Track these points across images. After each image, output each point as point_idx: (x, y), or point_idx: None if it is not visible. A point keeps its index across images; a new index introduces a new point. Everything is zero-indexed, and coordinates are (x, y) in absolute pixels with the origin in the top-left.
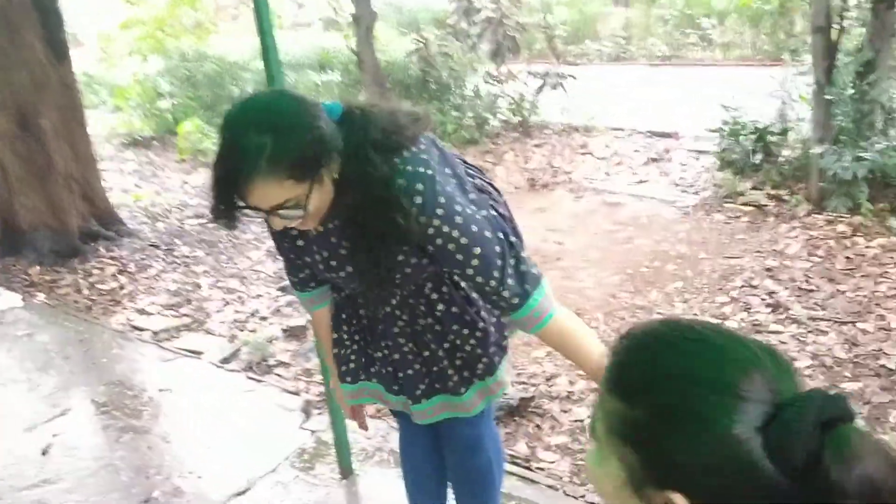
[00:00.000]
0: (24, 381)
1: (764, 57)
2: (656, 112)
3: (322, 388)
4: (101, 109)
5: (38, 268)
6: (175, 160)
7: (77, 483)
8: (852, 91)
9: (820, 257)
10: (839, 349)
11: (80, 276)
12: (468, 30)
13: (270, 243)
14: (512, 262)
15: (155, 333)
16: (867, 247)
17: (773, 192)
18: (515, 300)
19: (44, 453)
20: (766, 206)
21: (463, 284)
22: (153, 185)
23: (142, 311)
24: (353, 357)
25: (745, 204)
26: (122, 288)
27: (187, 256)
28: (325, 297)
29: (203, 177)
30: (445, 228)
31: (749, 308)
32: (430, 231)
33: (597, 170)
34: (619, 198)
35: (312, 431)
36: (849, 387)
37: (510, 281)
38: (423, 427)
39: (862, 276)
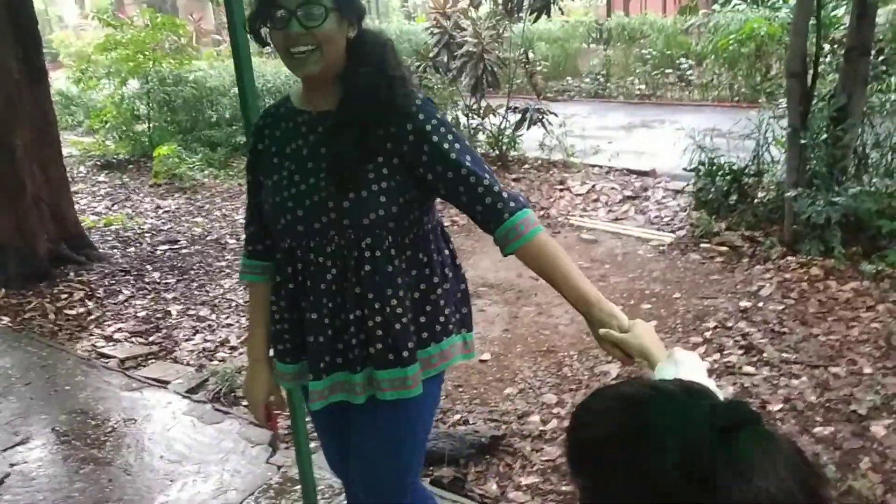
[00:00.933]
0: None
1: (740, 99)
2: (634, 150)
3: (289, 422)
4: (77, 131)
5: (3, 290)
6: (149, 185)
7: None
8: (826, 136)
9: (793, 300)
10: (810, 393)
11: (47, 300)
12: (448, 63)
13: None
14: (498, 184)
15: (121, 361)
16: (839, 290)
17: (747, 233)
18: (512, 203)
19: (0, 483)
20: (740, 247)
21: (448, 201)
22: (126, 208)
23: (109, 338)
24: (287, 335)
25: (720, 244)
26: (89, 314)
27: (158, 283)
28: (261, 270)
29: (177, 203)
30: (443, 129)
31: (722, 349)
32: (429, 128)
33: (574, 206)
34: (596, 234)
35: (279, 467)
36: (820, 431)
37: (502, 188)
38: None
39: (834, 319)
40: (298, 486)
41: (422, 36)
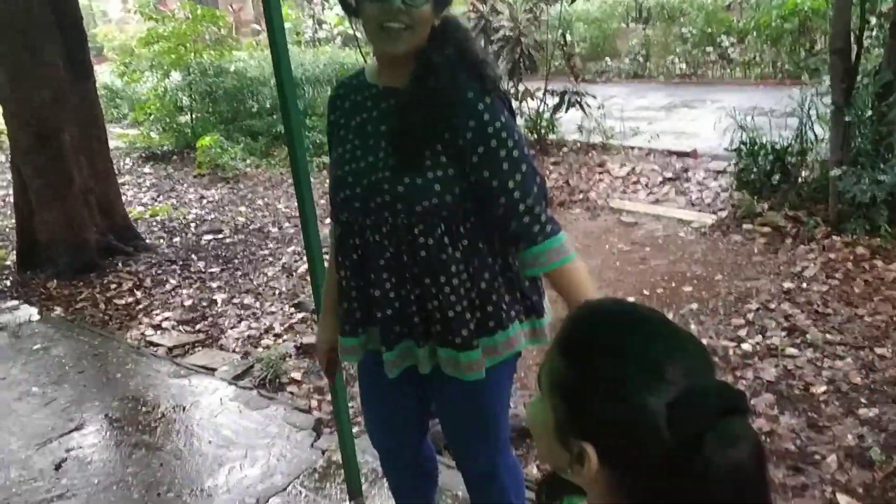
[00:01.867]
0: (39, 395)
1: (784, 76)
2: (674, 131)
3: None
4: (122, 123)
5: (55, 282)
6: (193, 175)
7: (89, 499)
8: (871, 113)
9: (838, 280)
10: (855, 374)
11: (97, 290)
12: (486, 47)
13: (285, 260)
14: (544, 201)
15: (169, 350)
16: (886, 270)
17: (790, 213)
18: (549, 227)
19: (57, 468)
20: (783, 227)
21: (482, 198)
22: (171, 199)
23: (157, 327)
24: (354, 304)
25: (762, 225)
26: (137, 303)
27: (203, 272)
28: None
29: (220, 192)
30: (504, 135)
31: (765, 331)
32: (490, 130)
33: (614, 189)
34: (636, 217)
35: (323, 451)
36: (865, 413)
37: (544, 209)
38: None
39: (880, 299)
40: (342, 470)
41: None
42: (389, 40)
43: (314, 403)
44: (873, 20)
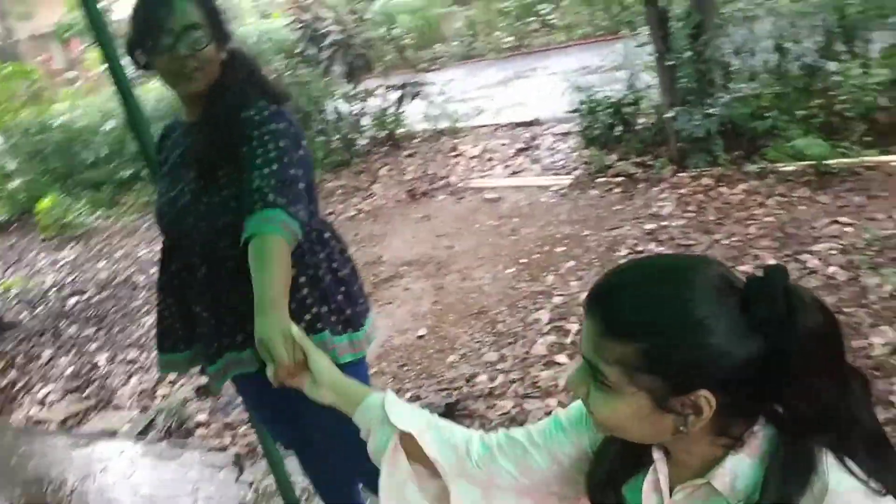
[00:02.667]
0: None
1: (604, 32)
2: (515, 103)
3: (251, 438)
4: None
5: None
6: (40, 240)
7: None
8: (689, 53)
9: (693, 212)
10: None
11: None
12: (318, 55)
13: None
14: (301, 184)
15: (62, 422)
16: (732, 194)
17: (638, 159)
18: (269, 198)
19: None
20: (634, 173)
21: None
22: (21, 270)
23: (42, 403)
24: (177, 325)
25: (615, 175)
26: (14, 384)
27: (77, 337)
28: None
29: (74, 252)
30: (272, 136)
31: None
32: (263, 129)
33: (471, 169)
34: (498, 192)
35: (250, 483)
36: None
37: (280, 193)
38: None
39: (733, 222)
40: (274, 499)
41: (282, 33)
42: (184, 83)
43: (228, 440)
44: None
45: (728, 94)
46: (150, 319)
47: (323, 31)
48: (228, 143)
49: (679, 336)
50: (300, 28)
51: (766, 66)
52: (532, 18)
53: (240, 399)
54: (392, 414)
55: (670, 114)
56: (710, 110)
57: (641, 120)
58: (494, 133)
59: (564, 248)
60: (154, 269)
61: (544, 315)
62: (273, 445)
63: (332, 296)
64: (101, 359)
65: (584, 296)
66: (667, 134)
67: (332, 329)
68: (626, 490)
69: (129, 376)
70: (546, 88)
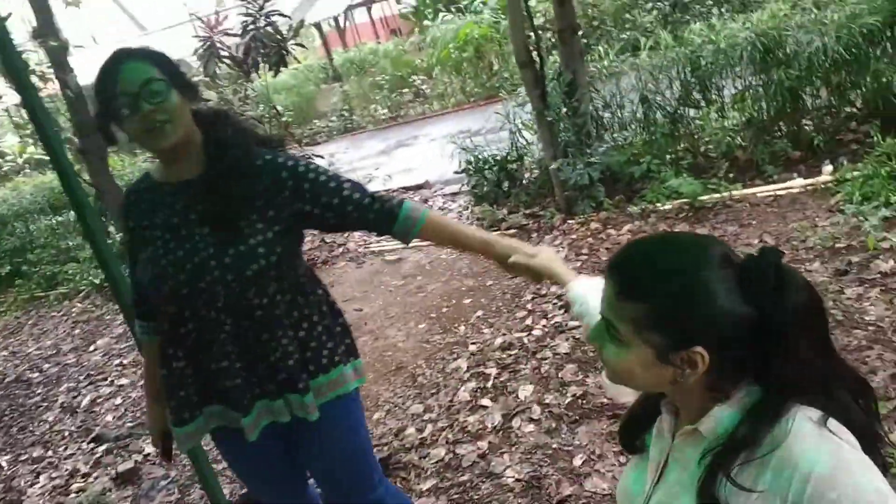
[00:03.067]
0: None
1: (476, 98)
2: (402, 169)
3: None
4: None
5: None
6: None
7: None
8: (565, 109)
9: (585, 254)
10: None
11: None
12: None
13: (62, 399)
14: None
15: None
16: (619, 235)
17: (528, 211)
18: (394, 204)
19: None
20: (526, 224)
21: (335, 222)
22: None
23: None
24: (190, 391)
25: (508, 228)
26: None
27: None
28: (154, 329)
29: None
30: (311, 166)
31: (546, 314)
32: (301, 170)
33: (368, 234)
34: (398, 254)
35: None
36: None
37: (378, 200)
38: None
39: None
40: None
41: None
42: (158, 137)
43: None
44: (541, 33)
45: (604, 144)
46: (52, 415)
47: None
48: (247, 194)
49: (681, 300)
50: None
51: (634, 116)
52: (406, 90)
53: (164, 482)
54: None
55: (555, 165)
56: (591, 159)
57: (526, 175)
58: None
59: (471, 300)
60: (48, 365)
61: (462, 363)
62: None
63: (336, 328)
64: (3, 461)
65: (497, 341)
66: (552, 185)
67: (343, 361)
68: (647, 438)
69: (37, 475)
70: (429, 154)
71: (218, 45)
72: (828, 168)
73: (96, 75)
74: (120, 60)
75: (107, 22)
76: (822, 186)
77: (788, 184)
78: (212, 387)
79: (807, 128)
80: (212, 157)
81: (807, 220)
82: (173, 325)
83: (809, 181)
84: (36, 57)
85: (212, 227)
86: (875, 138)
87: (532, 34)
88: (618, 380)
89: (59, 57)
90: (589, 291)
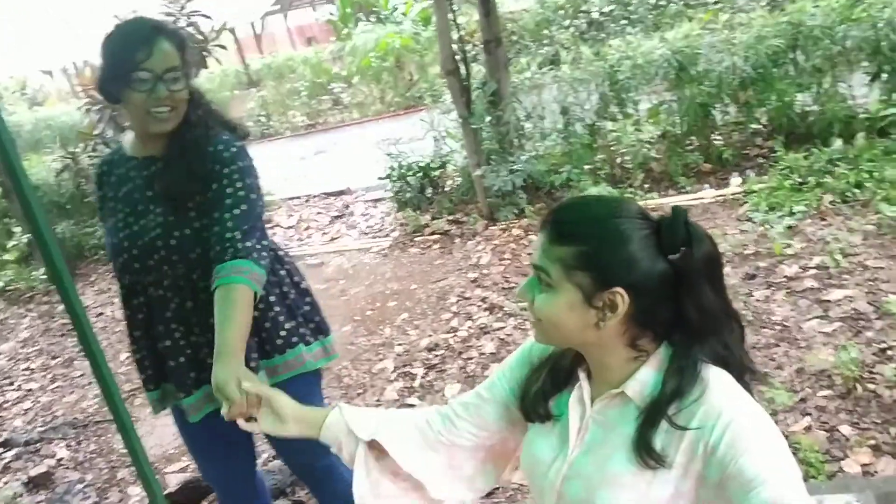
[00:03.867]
0: None
1: (395, 108)
2: (321, 176)
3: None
4: None
5: None
6: None
7: None
8: (489, 118)
9: (508, 259)
10: None
11: None
12: (117, 136)
13: None
14: (258, 233)
15: None
16: None
17: (451, 217)
18: (238, 246)
19: None
20: (449, 230)
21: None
22: None
23: None
24: (146, 363)
25: (432, 233)
26: None
27: None
28: None
29: None
30: (236, 176)
31: (471, 316)
32: (226, 171)
33: (289, 238)
34: (319, 258)
35: None
36: None
37: (248, 238)
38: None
39: None
40: None
41: (65, 118)
42: (158, 123)
43: None
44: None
45: (526, 153)
46: None
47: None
48: (200, 178)
49: (605, 243)
50: (98, 109)
51: (555, 127)
52: (325, 97)
53: (80, 486)
54: (353, 425)
55: (479, 172)
56: (514, 167)
57: (449, 182)
58: (307, 203)
59: (396, 303)
60: None
61: (389, 364)
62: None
63: (299, 308)
64: None
65: (424, 342)
66: (475, 192)
67: (304, 341)
68: (553, 406)
69: None
70: (349, 161)
71: None
72: (736, 180)
73: (120, 32)
74: (154, 35)
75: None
76: (731, 197)
77: (700, 194)
78: (162, 363)
79: (716, 142)
80: (174, 138)
81: (717, 228)
82: (128, 296)
83: (719, 192)
84: None
85: (164, 207)
86: (779, 153)
87: (458, 44)
88: (546, 332)
89: None
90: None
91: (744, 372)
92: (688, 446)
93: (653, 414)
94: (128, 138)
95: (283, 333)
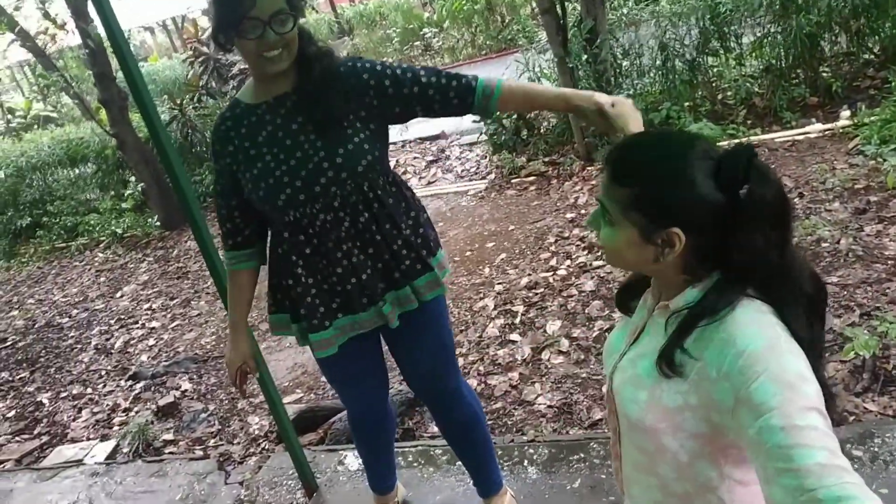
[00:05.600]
0: None
1: (487, 51)
2: (416, 121)
3: (224, 448)
4: None
5: None
6: None
7: None
8: (586, 56)
9: None
10: None
11: None
12: (221, 87)
13: (96, 342)
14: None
15: (18, 460)
16: None
17: (547, 159)
18: (471, 78)
19: None
20: (546, 171)
21: (420, 108)
22: None
23: None
24: (317, 300)
25: (528, 175)
26: None
27: (11, 381)
28: (248, 257)
29: None
30: (387, 68)
31: (570, 255)
32: (379, 69)
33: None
34: None
35: (240, 483)
36: None
37: (454, 77)
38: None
39: None
40: (273, 489)
41: (168, 73)
42: (273, 64)
43: (199, 453)
44: None
45: (624, 91)
46: (87, 356)
47: (224, 61)
48: (341, 99)
49: (661, 184)
50: (201, 60)
51: (653, 64)
52: (417, 43)
53: (204, 415)
54: None
55: None
56: None
57: (545, 123)
58: (403, 149)
59: (494, 244)
60: (77, 311)
61: (489, 302)
62: (290, 426)
63: (428, 218)
64: (45, 398)
65: (523, 281)
66: (571, 133)
67: (440, 245)
68: (635, 304)
69: (79, 410)
70: None
71: None
72: (845, 113)
73: None
74: None
75: None
76: (840, 131)
77: (806, 129)
78: (338, 295)
79: (825, 74)
80: (302, 71)
81: (825, 163)
82: (292, 234)
83: (827, 126)
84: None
85: (317, 133)
86: (893, 83)
87: None
88: (612, 260)
89: (79, 5)
90: None
91: (808, 351)
92: (703, 367)
93: (681, 327)
94: (246, 89)
95: (433, 235)
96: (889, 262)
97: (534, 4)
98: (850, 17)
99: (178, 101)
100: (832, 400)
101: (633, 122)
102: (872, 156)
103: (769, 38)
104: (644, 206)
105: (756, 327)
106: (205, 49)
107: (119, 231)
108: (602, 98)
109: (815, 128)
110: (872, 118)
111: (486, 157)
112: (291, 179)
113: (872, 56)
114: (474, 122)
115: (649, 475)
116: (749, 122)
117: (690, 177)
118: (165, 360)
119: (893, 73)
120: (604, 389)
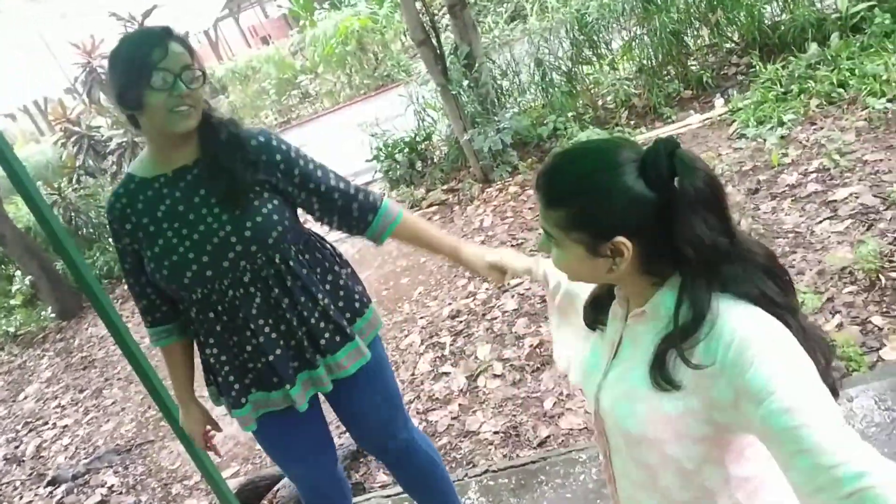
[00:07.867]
0: None
1: (365, 90)
2: None
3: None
4: None
5: None
6: None
7: None
8: (467, 81)
9: (511, 217)
10: None
11: None
12: (99, 164)
13: (4, 451)
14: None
15: None
16: None
17: (445, 187)
18: (375, 200)
19: None
20: (446, 199)
21: (318, 210)
22: None
23: None
24: (231, 377)
25: (429, 205)
26: None
27: None
28: (171, 332)
29: None
30: (301, 153)
31: (487, 278)
32: (293, 154)
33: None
34: None
35: None
36: None
37: (367, 190)
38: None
39: None
40: None
41: (39, 157)
42: (182, 120)
43: None
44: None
45: (508, 110)
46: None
47: (102, 137)
48: (248, 169)
49: (592, 201)
50: (75, 141)
51: (532, 80)
52: (294, 91)
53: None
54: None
55: (466, 136)
56: (500, 125)
57: (437, 152)
58: None
59: (408, 279)
60: None
61: (416, 338)
62: (214, 467)
63: (353, 274)
64: None
65: (445, 311)
66: (465, 158)
67: (369, 302)
68: (605, 318)
69: None
70: (331, 149)
71: (98, 69)
72: (720, 101)
73: (133, 41)
74: (165, 37)
75: None
76: (719, 118)
77: (686, 121)
78: (250, 372)
79: (693, 67)
80: (207, 139)
81: (711, 150)
82: (200, 311)
83: (706, 116)
84: None
85: (222, 206)
86: (757, 67)
87: (424, 12)
88: (571, 278)
89: None
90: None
91: (768, 304)
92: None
93: (666, 342)
94: (139, 162)
95: (356, 296)
96: (789, 235)
97: (404, 39)
98: (708, 10)
99: (56, 185)
100: (829, 355)
101: (518, 260)
102: (753, 137)
103: (637, 41)
104: (583, 224)
105: (736, 315)
106: (76, 128)
107: (11, 330)
108: (491, 257)
109: (695, 119)
110: (745, 102)
111: (384, 193)
112: (197, 255)
113: (734, 44)
114: (367, 160)
115: (652, 491)
116: (632, 122)
117: (619, 184)
118: (85, 458)
119: (755, 57)
120: (590, 410)
